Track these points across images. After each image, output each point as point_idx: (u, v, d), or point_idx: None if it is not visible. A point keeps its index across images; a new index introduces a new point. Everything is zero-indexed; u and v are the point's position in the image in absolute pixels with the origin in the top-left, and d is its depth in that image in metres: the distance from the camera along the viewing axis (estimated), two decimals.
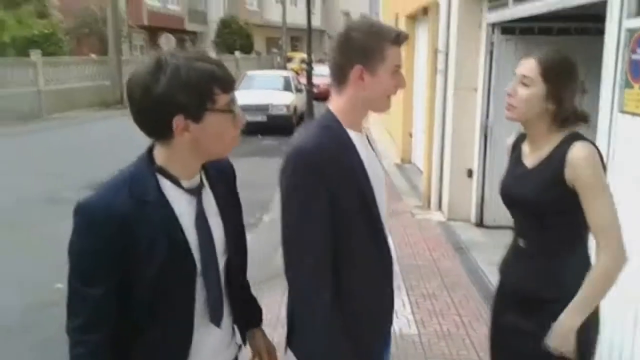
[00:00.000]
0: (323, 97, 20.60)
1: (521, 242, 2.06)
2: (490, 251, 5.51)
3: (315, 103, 16.04)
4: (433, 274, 5.06)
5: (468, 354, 3.70)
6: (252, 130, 14.86)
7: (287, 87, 16.21)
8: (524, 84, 1.93)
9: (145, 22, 29.70)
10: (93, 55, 22.55)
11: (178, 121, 1.38)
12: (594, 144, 1.91)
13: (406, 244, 5.77)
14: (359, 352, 1.76)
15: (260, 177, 9.61)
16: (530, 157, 2.03)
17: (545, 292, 1.96)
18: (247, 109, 14.59)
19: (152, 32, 30.79)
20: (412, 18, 9.98)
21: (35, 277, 5.26)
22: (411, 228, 6.40)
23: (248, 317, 1.81)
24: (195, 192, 1.51)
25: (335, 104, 1.77)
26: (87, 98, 20.26)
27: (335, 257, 1.69)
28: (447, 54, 6.55)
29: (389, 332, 2.02)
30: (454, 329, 4.04)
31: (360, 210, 1.72)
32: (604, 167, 1.90)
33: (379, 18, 16.47)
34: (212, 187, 1.57)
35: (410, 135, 10.31)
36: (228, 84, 1.44)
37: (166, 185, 1.46)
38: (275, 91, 15.65)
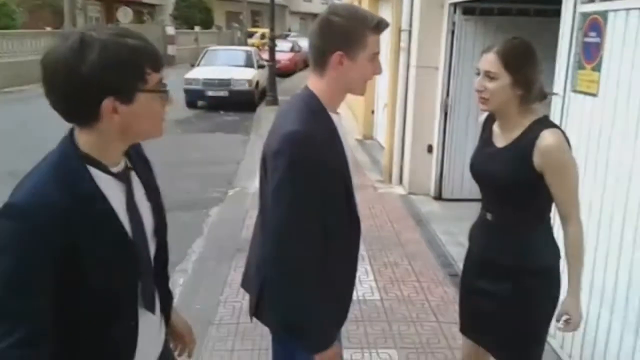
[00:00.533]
0: (285, 72, 20.60)
1: (488, 216, 2.24)
2: (448, 223, 5.79)
3: (277, 79, 16.02)
4: (394, 244, 5.28)
5: (427, 317, 3.94)
6: (214, 105, 14.83)
7: (249, 62, 16.14)
8: (490, 78, 2.06)
9: None
10: (48, 28, 21.85)
11: (107, 104, 1.27)
12: (559, 128, 2.09)
13: (369, 217, 5.97)
14: (339, 313, 1.93)
15: (224, 153, 9.68)
16: (501, 138, 2.17)
17: (508, 260, 2.16)
18: (209, 83, 14.61)
19: (108, 4, 29.97)
20: None
21: None
22: (374, 201, 6.61)
23: (168, 300, 1.71)
24: (124, 177, 1.42)
25: (316, 85, 1.80)
26: None
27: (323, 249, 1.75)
28: (410, 33, 6.71)
29: None
30: (414, 294, 4.27)
31: (343, 191, 1.83)
32: (569, 146, 2.08)
33: None
34: (137, 171, 1.49)
35: (372, 112, 10.49)
36: (158, 62, 1.35)
37: (96, 174, 1.34)
38: (237, 67, 15.57)
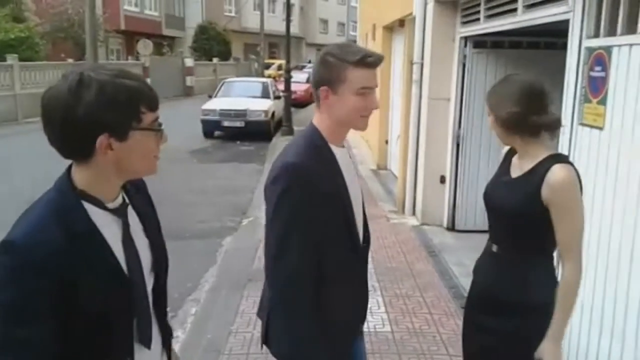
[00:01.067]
0: (300, 103, 20.84)
1: (494, 247, 2.22)
2: (461, 254, 5.77)
3: (293, 109, 16.21)
4: (406, 275, 5.28)
5: (438, 350, 3.91)
6: (231, 136, 15.02)
7: (265, 93, 16.38)
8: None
9: (123, 27, 29.62)
10: (69, 60, 22.41)
11: (102, 140, 1.31)
12: (572, 165, 2.06)
13: (381, 247, 5.98)
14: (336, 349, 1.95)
15: (239, 182, 9.78)
16: (516, 169, 2.18)
17: (510, 296, 2.12)
18: (225, 114, 14.82)
19: (129, 37, 30.71)
20: (389, 29, 10.24)
21: None
22: (386, 232, 6.62)
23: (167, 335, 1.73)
24: (120, 213, 1.44)
25: (317, 121, 1.91)
26: None
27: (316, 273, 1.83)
28: (421, 65, 6.80)
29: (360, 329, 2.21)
30: (425, 326, 4.25)
31: (343, 222, 1.89)
32: (581, 187, 2.05)
33: (356, 27, 16.66)
34: (134, 206, 1.51)
35: (387, 142, 10.56)
36: (154, 102, 1.39)
37: (92, 210, 1.37)
38: (254, 98, 15.81)
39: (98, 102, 1.28)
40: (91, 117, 1.29)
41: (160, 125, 1.42)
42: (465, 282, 5.05)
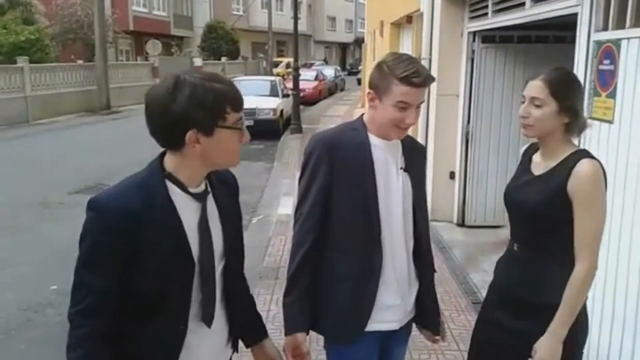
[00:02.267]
0: (309, 101, 20.84)
1: (515, 246, 2.17)
2: (471, 249, 5.76)
3: (301, 107, 16.22)
4: None
5: (448, 345, 3.90)
6: None
7: (273, 91, 16.40)
8: (536, 105, 2.02)
9: (131, 27, 29.76)
10: (79, 61, 22.56)
11: (191, 135, 1.49)
12: (599, 162, 2.00)
13: None
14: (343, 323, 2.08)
15: (248, 180, 9.77)
16: (540, 166, 2.12)
17: (533, 296, 2.07)
18: None
19: (138, 37, 30.85)
20: (397, 26, 10.23)
21: (30, 280, 5.38)
22: None
23: (251, 329, 1.92)
24: (201, 198, 1.62)
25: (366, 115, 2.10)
26: (74, 103, 20.26)
27: (324, 241, 2.05)
28: (430, 61, 6.78)
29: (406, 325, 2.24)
30: None
31: (359, 207, 2.00)
32: (606, 185, 2.00)
33: (364, 24, 16.60)
34: (214, 195, 1.68)
35: None
36: (238, 103, 1.55)
37: (174, 190, 1.56)
38: (262, 96, 15.83)
39: (189, 102, 1.46)
40: (182, 114, 1.47)
41: (242, 124, 1.58)
42: (476, 277, 5.05)
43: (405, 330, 2.26)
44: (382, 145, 2.03)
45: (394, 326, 2.16)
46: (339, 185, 2.00)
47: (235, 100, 1.54)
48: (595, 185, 1.96)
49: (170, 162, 1.58)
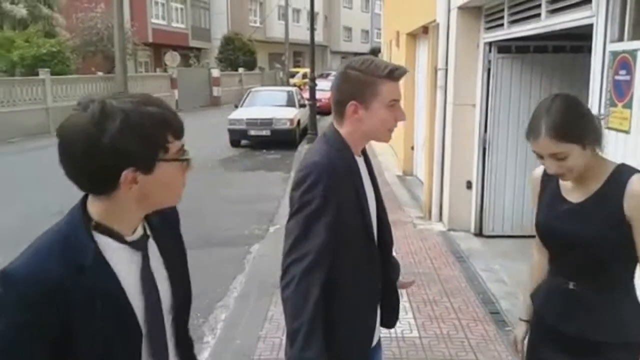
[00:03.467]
0: (325, 111, 20.95)
1: (571, 285, 1.94)
2: (489, 259, 5.76)
3: (318, 117, 16.32)
4: (433, 281, 5.28)
5: (466, 355, 3.92)
6: (257, 144, 15.20)
7: (290, 102, 16.55)
8: (560, 159, 1.80)
9: (150, 40, 30.19)
10: (99, 73, 22.93)
11: (127, 175, 1.22)
12: None
13: (408, 253, 5.99)
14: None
15: (265, 190, 9.89)
16: (576, 192, 1.90)
17: (605, 335, 1.87)
18: (251, 123, 15.01)
19: (157, 49, 31.28)
20: (413, 36, 10.27)
21: None
22: (413, 238, 6.63)
23: None
24: (140, 246, 1.34)
25: (342, 132, 1.92)
26: None
27: (331, 279, 1.80)
28: (446, 71, 6.81)
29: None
30: (453, 331, 4.26)
31: (360, 227, 1.90)
32: None
33: (380, 34, 16.65)
34: (155, 237, 1.40)
35: (412, 148, 10.57)
36: (180, 129, 1.30)
37: (105, 243, 1.27)
38: (279, 106, 15.98)
39: (122, 132, 1.19)
40: (115, 148, 1.19)
41: (186, 153, 1.32)
42: (494, 287, 5.05)
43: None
44: (361, 162, 1.96)
45: (377, 336, 2.13)
46: (342, 216, 1.81)
47: (175, 125, 1.28)
48: None
49: (97, 208, 1.28)
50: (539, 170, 2.07)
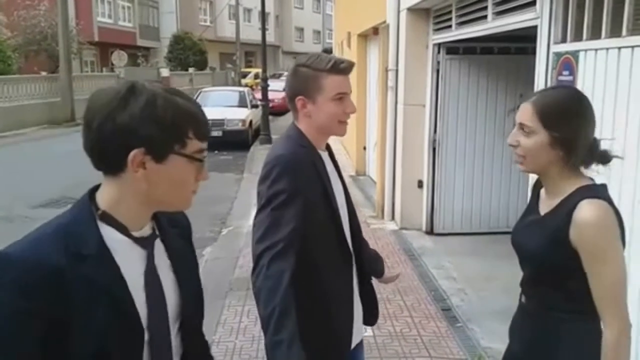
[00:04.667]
0: (278, 111, 20.89)
1: (523, 298, 1.90)
2: (440, 257, 5.85)
3: (270, 118, 16.25)
4: None
5: (419, 352, 3.97)
6: (209, 145, 14.82)
7: (242, 102, 16.44)
8: (525, 132, 1.71)
9: (96, 38, 29.38)
10: (43, 73, 22.17)
11: (136, 155, 1.16)
12: (609, 201, 1.68)
13: None
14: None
15: (217, 192, 9.74)
16: (545, 204, 1.82)
17: (537, 357, 1.82)
18: None
19: (103, 48, 30.48)
20: (364, 37, 10.35)
21: None
22: (366, 237, 6.56)
23: None
24: (146, 243, 1.27)
25: (300, 127, 1.98)
26: (38, 116, 19.88)
27: (303, 267, 1.83)
28: (396, 72, 6.89)
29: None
30: (406, 329, 4.30)
31: (328, 217, 1.93)
32: (622, 228, 1.68)
33: (332, 35, 16.72)
34: (163, 239, 1.33)
35: (364, 148, 10.64)
36: (204, 129, 1.25)
37: (111, 234, 1.21)
38: (231, 107, 15.82)
39: (143, 112, 1.16)
40: (131, 126, 1.15)
41: (204, 157, 1.26)
42: (445, 284, 5.14)
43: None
44: (326, 156, 2.01)
45: (363, 332, 2.19)
46: (309, 207, 1.86)
47: (200, 125, 1.24)
48: (600, 233, 1.64)
49: (106, 196, 1.23)
50: (532, 178, 2.02)
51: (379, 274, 2.32)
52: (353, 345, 2.08)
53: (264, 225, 1.82)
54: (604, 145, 1.75)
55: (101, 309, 1.15)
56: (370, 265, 2.25)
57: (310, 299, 1.89)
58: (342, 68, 1.90)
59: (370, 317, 2.21)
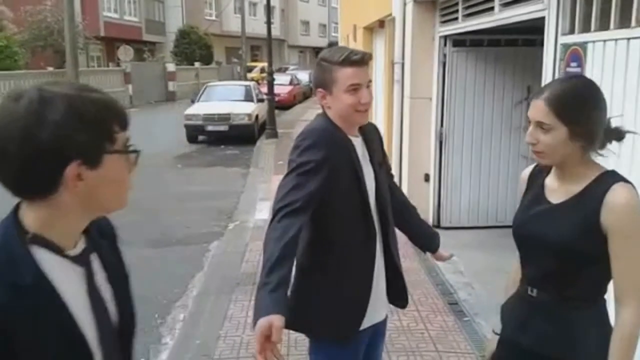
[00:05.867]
0: (284, 105, 20.89)
1: (533, 292, 1.85)
2: (447, 250, 5.81)
3: (276, 112, 16.23)
4: None
5: (426, 346, 3.95)
6: (215, 140, 14.99)
7: (248, 96, 16.39)
8: (544, 129, 1.70)
9: (102, 33, 29.40)
10: (50, 68, 22.23)
11: (72, 169, 1.06)
12: (632, 184, 1.70)
13: None
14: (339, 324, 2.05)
15: (224, 186, 9.76)
16: (558, 193, 1.79)
17: (549, 349, 1.79)
18: (209, 119, 14.81)
19: (109, 43, 30.52)
20: (370, 30, 10.31)
21: None
22: None
23: None
24: (83, 260, 1.18)
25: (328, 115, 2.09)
26: None
27: (323, 239, 2.03)
28: (403, 65, 6.86)
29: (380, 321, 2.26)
30: (413, 324, 4.28)
31: (354, 188, 2.02)
32: None
33: (338, 28, 16.71)
34: (97, 251, 1.24)
35: None
36: (125, 118, 1.16)
37: (45, 257, 1.10)
38: (237, 101, 15.81)
39: (66, 120, 1.04)
40: (59, 140, 1.03)
41: (133, 146, 1.18)
42: (452, 278, 5.11)
43: (385, 322, 2.31)
44: (358, 142, 2.08)
45: (383, 315, 2.24)
46: (334, 175, 1.95)
47: (121, 114, 1.15)
48: (635, 214, 1.65)
49: (34, 217, 1.11)
50: (527, 170, 2.00)
51: (434, 249, 2.48)
52: (368, 324, 2.13)
53: (287, 187, 1.92)
54: (614, 123, 1.76)
55: (49, 342, 1.09)
56: (426, 239, 2.50)
57: (322, 266, 2.03)
58: (354, 60, 1.97)
59: (398, 299, 2.31)
